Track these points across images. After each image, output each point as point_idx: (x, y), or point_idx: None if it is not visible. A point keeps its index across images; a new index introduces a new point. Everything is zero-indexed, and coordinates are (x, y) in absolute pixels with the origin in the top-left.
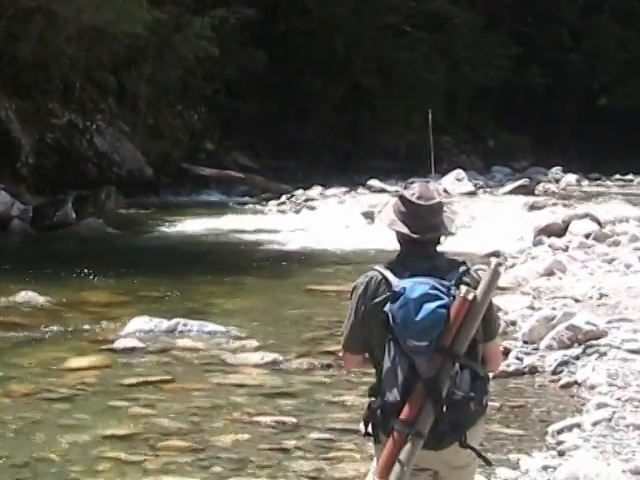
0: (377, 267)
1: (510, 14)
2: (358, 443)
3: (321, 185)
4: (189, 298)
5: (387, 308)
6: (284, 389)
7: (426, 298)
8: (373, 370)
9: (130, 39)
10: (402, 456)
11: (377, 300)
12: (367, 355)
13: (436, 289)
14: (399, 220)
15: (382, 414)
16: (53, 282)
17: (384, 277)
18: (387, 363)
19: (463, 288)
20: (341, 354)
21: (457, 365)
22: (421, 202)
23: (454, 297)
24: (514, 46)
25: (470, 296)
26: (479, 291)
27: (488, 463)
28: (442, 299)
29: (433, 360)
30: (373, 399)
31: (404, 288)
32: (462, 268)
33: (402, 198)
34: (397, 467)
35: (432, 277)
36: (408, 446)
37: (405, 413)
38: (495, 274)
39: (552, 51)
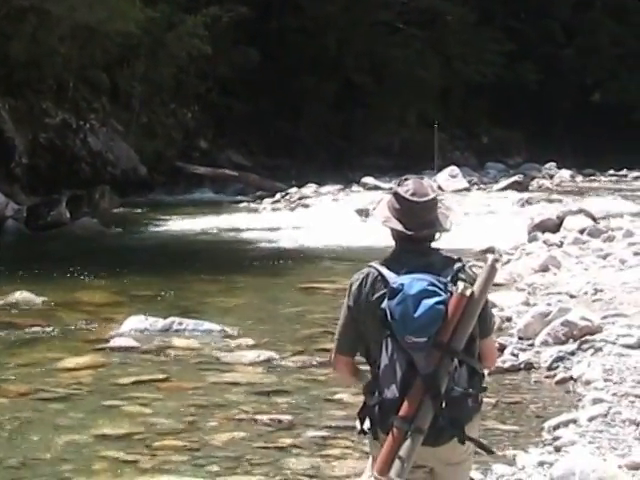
0: (372, 264)
1: (503, 10)
2: (354, 441)
3: (315, 183)
4: (184, 297)
5: (385, 304)
6: (280, 387)
7: (424, 294)
8: (359, 378)
9: (123, 38)
10: (402, 452)
11: (374, 297)
12: (360, 355)
13: (434, 285)
14: (393, 217)
15: (380, 411)
16: (48, 282)
17: (380, 274)
18: (384, 360)
19: (460, 284)
20: (332, 357)
21: (456, 361)
22: (415, 199)
23: (451, 293)
24: (507, 42)
25: (468, 292)
26: (476, 287)
27: (490, 452)
28: (440, 295)
29: (431, 356)
30: (369, 396)
31: (402, 284)
32: (457, 265)
33: (396, 195)
34: (397, 463)
35: (428, 274)
36: (408, 442)
37: (404, 409)
38: (492, 270)
39: (545, 47)
